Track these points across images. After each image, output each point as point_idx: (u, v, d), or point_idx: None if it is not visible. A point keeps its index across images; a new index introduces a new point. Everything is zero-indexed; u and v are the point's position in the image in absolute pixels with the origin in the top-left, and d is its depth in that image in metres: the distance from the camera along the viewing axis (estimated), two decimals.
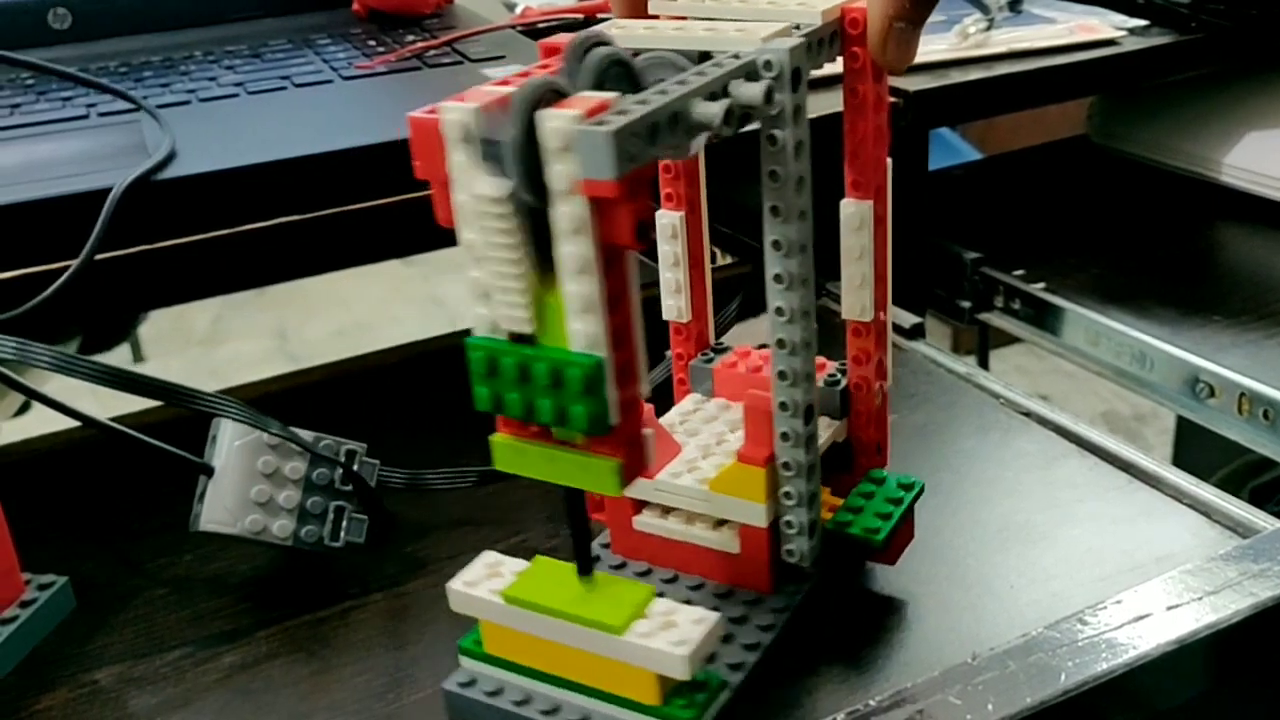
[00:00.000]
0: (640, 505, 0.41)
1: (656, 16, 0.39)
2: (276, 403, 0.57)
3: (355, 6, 0.79)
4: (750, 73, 0.34)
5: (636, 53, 0.35)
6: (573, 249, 0.30)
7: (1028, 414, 0.52)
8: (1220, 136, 0.77)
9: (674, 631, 0.34)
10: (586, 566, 0.35)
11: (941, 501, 0.46)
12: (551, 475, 0.33)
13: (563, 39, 0.34)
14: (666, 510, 0.41)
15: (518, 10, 0.81)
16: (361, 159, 0.53)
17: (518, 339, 0.31)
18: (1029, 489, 0.47)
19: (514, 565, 0.37)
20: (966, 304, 0.71)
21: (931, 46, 0.70)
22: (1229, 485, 1.04)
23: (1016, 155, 0.91)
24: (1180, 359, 0.58)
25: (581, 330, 0.30)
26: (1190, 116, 0.80)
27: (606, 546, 0.42)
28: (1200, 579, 0.39)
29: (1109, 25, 0.74)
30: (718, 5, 0.38)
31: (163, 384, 0.41)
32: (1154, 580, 0.39)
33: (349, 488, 0.43)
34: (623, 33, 0.36)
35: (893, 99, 0.64)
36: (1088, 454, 0.49)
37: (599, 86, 0.32)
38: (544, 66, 0.34)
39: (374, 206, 0.53)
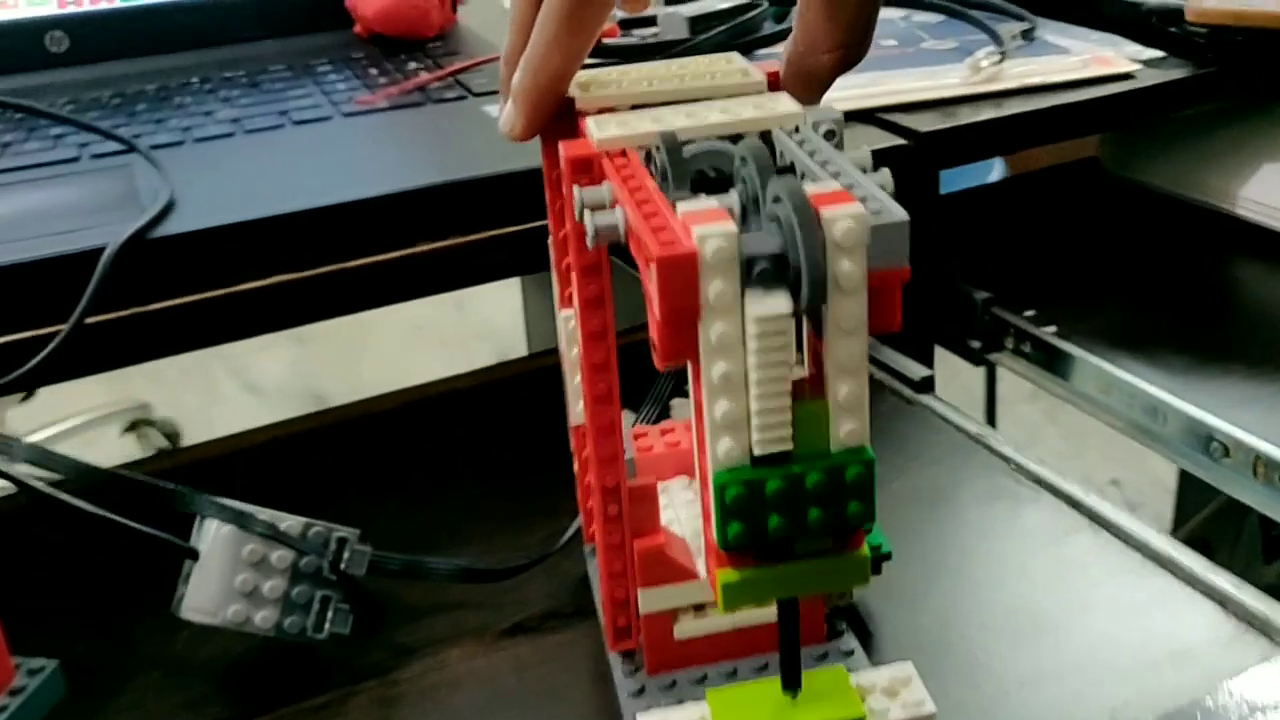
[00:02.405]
0: (675, 614, 0.39)
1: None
2: (270, 457, 0.56)
3: (357, 28, 0.78)
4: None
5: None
6: (853, 347, 0.29)
7: (1038, 481, 0.51)
8: (1236, 169, 0.76)
9: (902, 695, 0.34)
10: (796, 678, 0.33)
11: (950, 584, 0.45)
12: (790, 591, 0.31)
13: (579, 150, 0.33)
14: (698, 609, 0.39)
15: None
16: (360, 213, 0.52)
17: (764, 459, 0.29)
18: (1039, 570, 0.46)
19: (692, 713, 0.35)
20: (976, 344, 0.70)
21: (943, 81, 0.68)
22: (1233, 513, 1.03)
23: (1028, 179, 0.89)
24: (1193, 416, 0.57)
25: (854, 428, 0.29)
26: (1205, 147, 0.78)
27: (633, 674, 0.39)
28: None
29: (1124, 56, 0.72)
30: (658, 86, 0.37)
31: (144, 483, 0.40)
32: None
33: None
34: (626, 131, 0.34)
35: (901, 140, 0.63)
36: (1100, 529, 0.48)
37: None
38: (622, 170, 0.32)
39: (372, 261, 0.52)
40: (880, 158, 0.62)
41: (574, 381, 0.40)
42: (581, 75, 0.37)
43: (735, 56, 0.39)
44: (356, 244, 0.52)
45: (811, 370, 0.31)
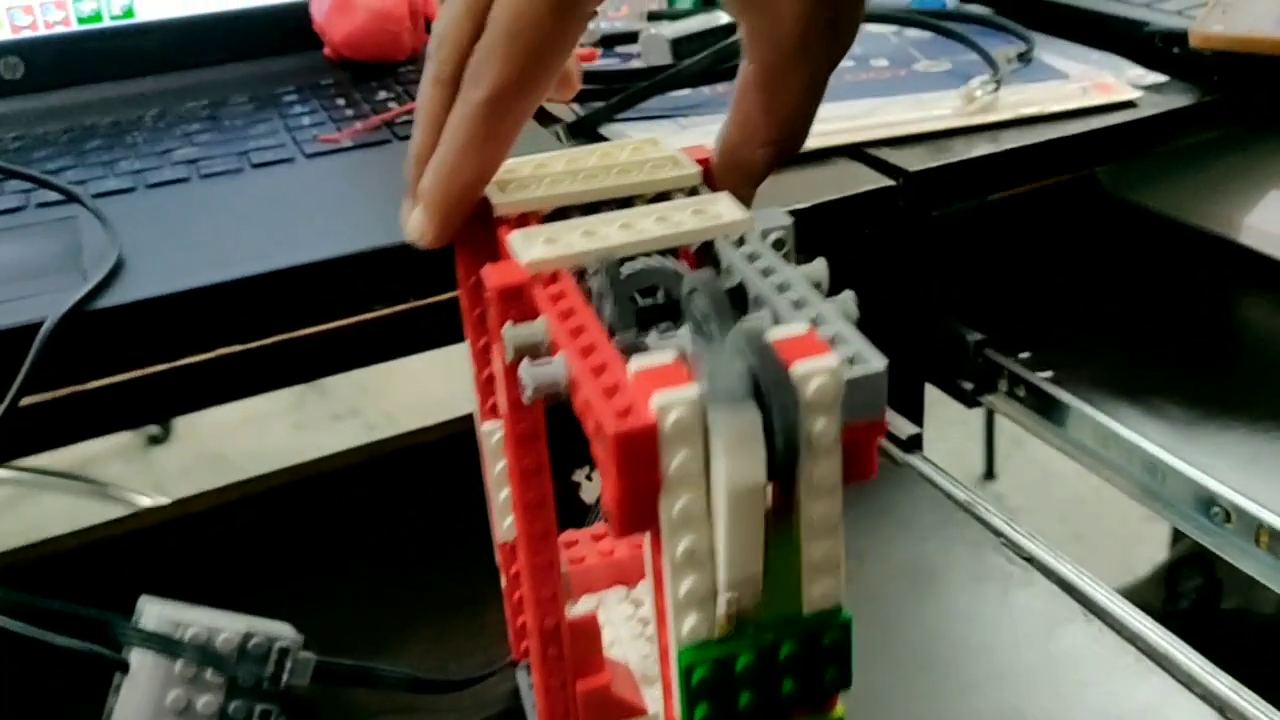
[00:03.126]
0: None
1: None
2: (214, 525, 0.53)
3: (326, 51, 0.75)
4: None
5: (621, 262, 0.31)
6: (827, 507, 0.26)
7: (1030, 560, 0.49)
8: (1240, 196, 0.73)
9: None
10: None
11: (937, 681, 0.43)
12: None
13: (507, 277, 0.30)
14: None
15: None
16: (318, 275, 0.49)
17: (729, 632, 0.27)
18: (1029, 666, 0.44)
19: None
20: (969, 385, 0.67)
21: (935, 111, 0.65)
22: None
23: (1023, 199, 0.86)
24: (1193, 479, 0.55)
25: (828, 589, 0.27)
26: (1208, 172, 0.75)
27: None
28: None
29: (1125, 82, 0.69)
30: (583, 184, 0.34)
31: (67, 613, 0.38)
32: None
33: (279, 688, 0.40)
34: (558, 251, 0.31)
35: (889, 180, 0.60)
36: (1092, 618, 0.46)
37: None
38: (558, 301, 0.29)
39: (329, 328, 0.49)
40: (869, 199, 0.59)
41: (500, 497, 0.37)
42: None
43: (659, 140, 0.36)
44: (308, 310, 0.49)
45: (776, 499, 0.28)
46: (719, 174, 0.36)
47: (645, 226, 0.31)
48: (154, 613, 0.40)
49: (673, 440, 0.24)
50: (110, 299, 0.47)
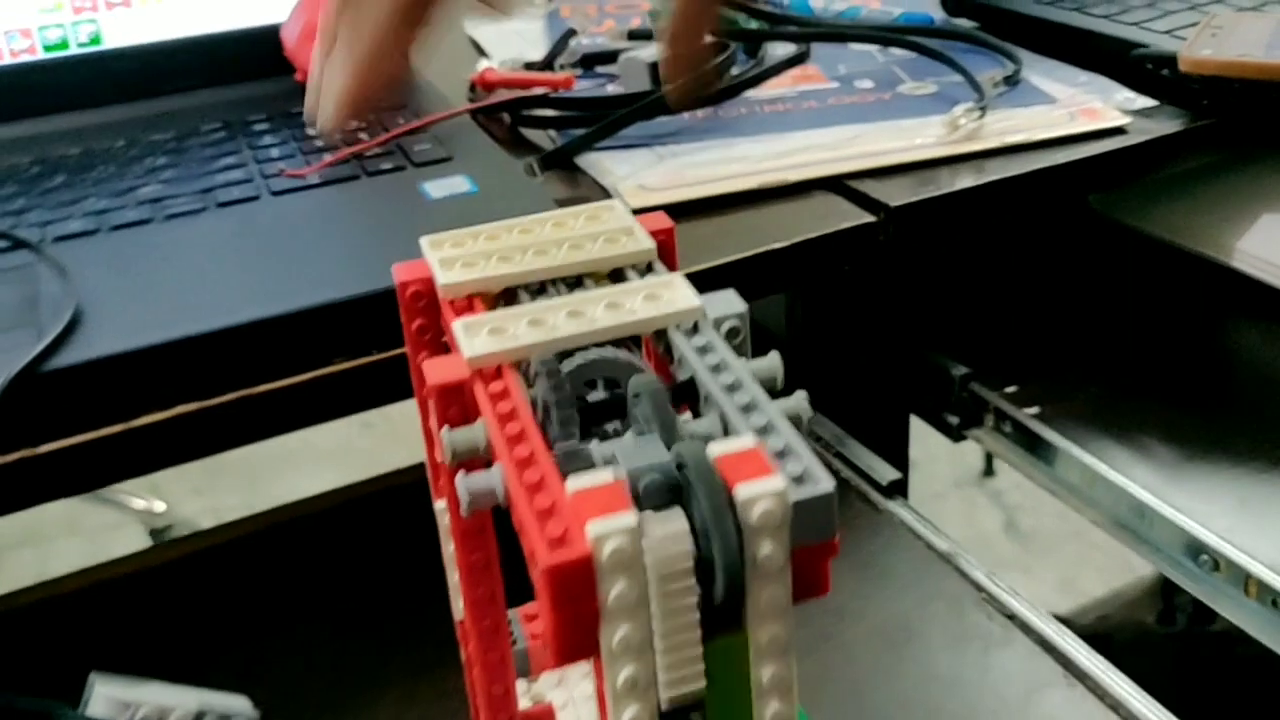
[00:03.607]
0: None
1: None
2: (167, 582, 0.52)
3: (298, 76, 0.73)
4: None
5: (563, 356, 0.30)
6: (776, 630, 0.25)
7: (1011, 617, 0.48)
8: (1233, 220, 0.71)
9: None
10: None
11: None
12: None
13: (447, 374, 0.28)
14: None
15: (479, 67, 0.75)
16: (278, 330, 0.48)
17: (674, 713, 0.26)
18: None
19: None
20: (955, 419, 0.66)
21: (919, 140, 0.64)
22: None
23: (1009, 222, 0.84)
24: (1181, 526, 0.53)
25: (779, 713, 0.26)
26: (1200, 195, 0.73)
27: None
28: None
29: (1113, 106, 0.67)
30: (532, 262, 0.32)
31: (11, 704, 0.36)
32: None
33: None
34: (501, 345, 0.30)
35: (870, 216, 0.59)
36: (1074, 682, 0.44)
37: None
38: (498, 402, 0.28)
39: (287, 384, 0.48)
40: (849, 236, 0.58)
41: (453, 577, 0.36)
42: (442, 242, 0.33)
43: (616, 206, 0.35)
44: (266, 366, 0.48)
45: (724, 622, 0.27)
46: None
47: (595, 315, 0.30)
48: (102, 695, 0.38)
49: (610, 571, 0.23)
50: (65, 358, 0.46)
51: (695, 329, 0.30)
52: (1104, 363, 0.67)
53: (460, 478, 0.26)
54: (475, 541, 0.31)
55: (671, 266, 0.35)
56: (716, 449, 0.24)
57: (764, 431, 0.26)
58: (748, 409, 0.26)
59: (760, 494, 0.23)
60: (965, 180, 0.61)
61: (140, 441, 0.46)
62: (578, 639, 0.24)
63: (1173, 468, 0.57)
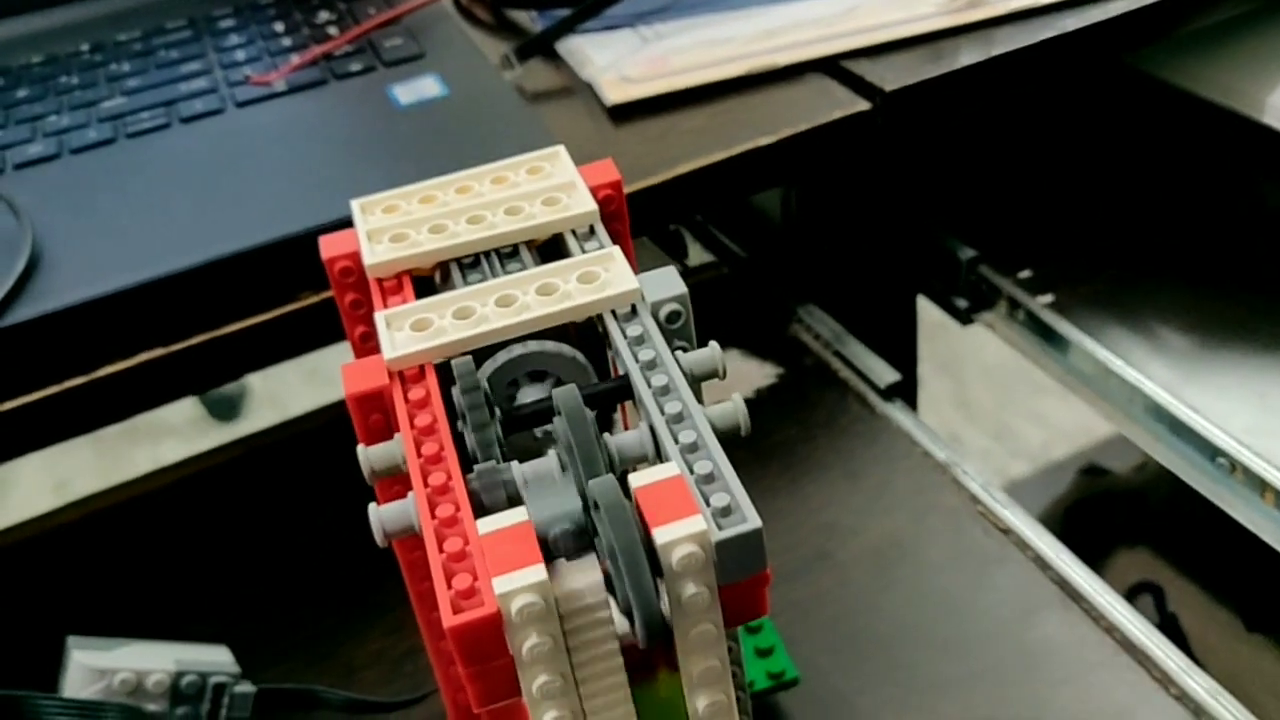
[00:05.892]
0: None
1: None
2: (140, 522, 0.51)
3: None
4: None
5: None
6: (710, 660, 0.23)
7: (1007, 531, 0.46)
8: (1265, 71, 0.66)
9: None
10: None
11: (907, 683, 0.41)
12: None
13: (365, 382, 0.27)
14: None
15: None
16: (238, 268, 0.46)
17: None
18: (1004, 659, 0.42)
19: None
20: (963, 303, 0.63)
21: (918, 10, 0.59)
22: None
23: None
24: (1198, 429, 0.51)
25: None
26: (1230, 45, 0.68)
27: None
28: None
29: None
30: (466, 233, 0.30)
31: None
32: None
33: None
34: (423, 345, 0.28)
35: (864, 103, 0.55)
36: (1070, 604, 0.43)
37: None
38: (417, 414, 0.26)
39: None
40: (842, 126, 0.54)
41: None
42: (374, 206, 0.31)
43: (560, 155, 0.32)
44: (229, 305, 0.46)
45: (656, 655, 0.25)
46: None
47: (526, 301, 0.28)
48: (79, 663, 0.38)
49: (521, 626, 0.21)
50: (22, 312, 0.44)
51: (634, 311, 0.28)
52: (1123, 242, 0.63)
53: (373, 510, 0.25)
54: (424, 571, 0.30)
55: (621, 221, 0.32)
56: (637, 481, 0.22)
57: (692, 450, 0.24)
58: (679, 419, 0.25)
59: (680, 537, 0.22)
60: (969, 56, 0.57)
61: (104, 392, 0.44)
62: (497, 688, 0.23)
63: (1192, 360, 0.54)
